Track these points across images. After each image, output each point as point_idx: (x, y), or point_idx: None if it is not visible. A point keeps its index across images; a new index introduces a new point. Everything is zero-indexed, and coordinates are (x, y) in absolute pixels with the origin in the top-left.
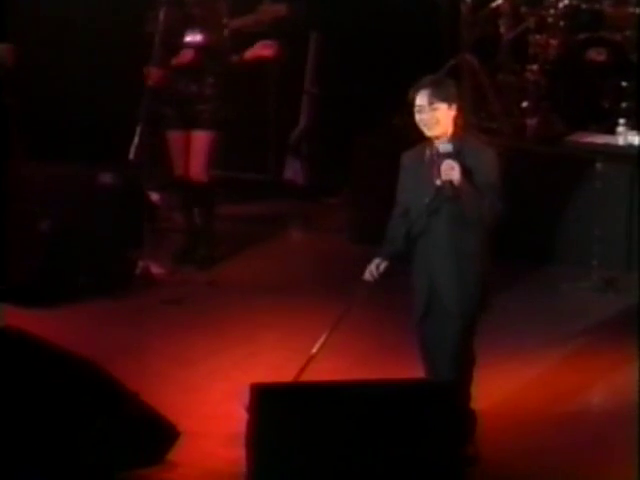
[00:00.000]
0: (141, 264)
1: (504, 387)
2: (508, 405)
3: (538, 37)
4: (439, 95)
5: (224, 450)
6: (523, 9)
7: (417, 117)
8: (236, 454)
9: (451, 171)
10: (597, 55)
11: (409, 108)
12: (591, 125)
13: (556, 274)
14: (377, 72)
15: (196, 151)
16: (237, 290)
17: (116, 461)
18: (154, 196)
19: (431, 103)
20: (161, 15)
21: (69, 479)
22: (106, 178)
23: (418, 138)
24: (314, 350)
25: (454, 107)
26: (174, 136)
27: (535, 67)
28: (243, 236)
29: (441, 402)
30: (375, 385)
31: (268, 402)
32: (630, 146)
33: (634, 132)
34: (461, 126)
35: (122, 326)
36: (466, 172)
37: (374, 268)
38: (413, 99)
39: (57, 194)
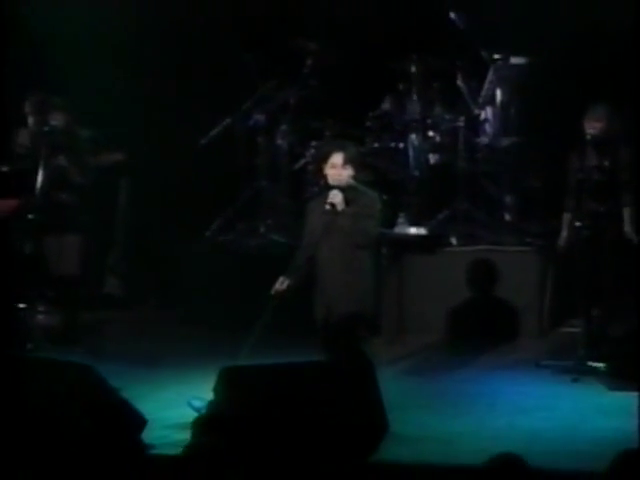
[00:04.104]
0: None
1: None
2: None
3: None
4: (348, 159)
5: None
6: (298, 148)
7: (330, 171)
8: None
9: (335, 197)
10: None
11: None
12: None
13: None
14: (186, 201)
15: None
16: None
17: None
18: None
19: (342, 164)
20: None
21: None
22: None
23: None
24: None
25: (356, 167)
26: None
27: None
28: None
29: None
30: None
31: (235, 381)
32: (405, 235)
33: (408, 224)
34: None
35: None
36: (350, 202)
37: (278, 285)
38: (328, 155)
39: None
